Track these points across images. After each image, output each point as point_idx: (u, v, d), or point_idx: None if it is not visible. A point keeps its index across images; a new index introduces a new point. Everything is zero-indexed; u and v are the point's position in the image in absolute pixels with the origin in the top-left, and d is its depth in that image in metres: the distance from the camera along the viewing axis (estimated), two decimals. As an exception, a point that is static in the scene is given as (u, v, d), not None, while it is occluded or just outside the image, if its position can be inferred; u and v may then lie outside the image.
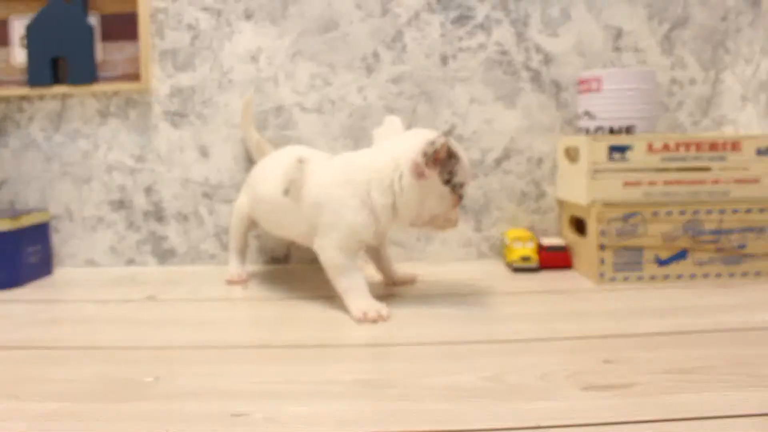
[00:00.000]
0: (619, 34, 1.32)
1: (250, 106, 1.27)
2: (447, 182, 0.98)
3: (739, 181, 1.18)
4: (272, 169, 1.11)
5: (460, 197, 1.01)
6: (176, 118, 1.31)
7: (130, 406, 0.68)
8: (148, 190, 1.33)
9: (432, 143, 0.95)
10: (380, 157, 1.00)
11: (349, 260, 1.00)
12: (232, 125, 1.31)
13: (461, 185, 1.00)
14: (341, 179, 0.99)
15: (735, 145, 1.18)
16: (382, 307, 0.97)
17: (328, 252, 1.00)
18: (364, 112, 1.31)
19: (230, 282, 1.20)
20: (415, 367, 0.78)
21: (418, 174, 0.96)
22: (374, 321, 0.96)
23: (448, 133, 1.04)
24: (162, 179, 1.32)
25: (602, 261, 1.15)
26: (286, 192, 1.04)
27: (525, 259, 1.23)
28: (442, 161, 0.96)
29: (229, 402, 0.69)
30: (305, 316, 1.00)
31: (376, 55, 1.31)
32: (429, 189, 0.98)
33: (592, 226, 1.17)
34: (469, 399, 0.69)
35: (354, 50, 1.30)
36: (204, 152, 1.32)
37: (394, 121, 1.07)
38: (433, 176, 0.97)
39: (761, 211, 1.17)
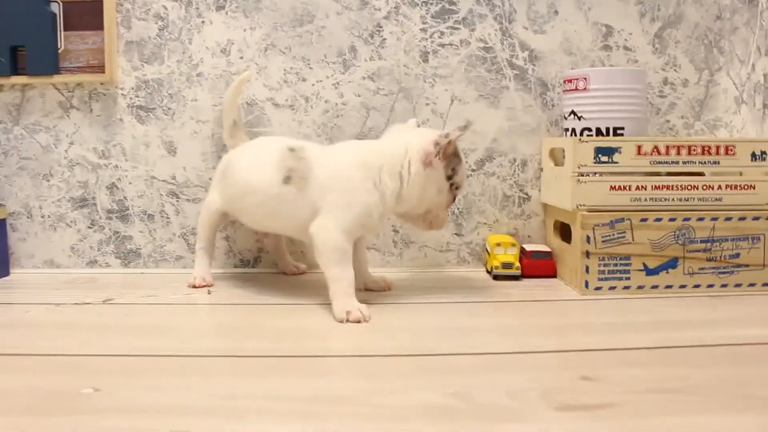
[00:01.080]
0: (608, 32, 1.26)
1: (245, 83, 1.19)
2: (449, 178, 1.02)
3: (732, 187, 1.12)
4: (258, 159, 1.07)
5: (454, 197, 1.05)
6: (142, 112, 1.25)
7: (58, 422, 0.61)
8: (112, 188, 1.26)
9: (446, 135, 0.99)
10: (393, 145, 1.03)
11: (348, 245, 0.99)
12: (200, 121, 1.25)
13: (458, 186, 1.04)
14: (355, 162, 1.01)
15: (729, 149, 1.12)
16: (363, 308, 0.96)
17: (331, 233, 0.98)
18: (339, 110, 1.25)
19: (193, 286, 1.12)
20: (375, 381, 0.71)
21: (427, 162, 1.00)
22: (357, 321, 0.94)
23: (464, 128, 1.00)
24: (126, 176, 1.26)
25: (587, 269, 1.09)
26: (287, 180, 1.01)
27: (506, 266, 1.16)
28: (449, 155, 1.00)
29: (168, 419, 0.62)
30: (269, 325, 0.93)
31: (353, 49, 1.24)
32: (433, 179, 1.01)
33: (576, 233, 1.10)
34: (426, 419, 0.62)
35: (330, 44, 1.24)
36: (170, 149, 1.25)
37: (410, 122, 1.10)
38: (440, 168, 1.00)
39: (755, 219, 1.10)
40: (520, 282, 1.17)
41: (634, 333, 0.88)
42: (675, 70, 1.27)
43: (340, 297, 0.97)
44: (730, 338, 0.85)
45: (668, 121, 1.28)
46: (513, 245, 1.18)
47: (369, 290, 1.12)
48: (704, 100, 1.28)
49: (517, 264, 1.17)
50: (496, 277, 1.17)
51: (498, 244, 1.18)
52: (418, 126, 1.10)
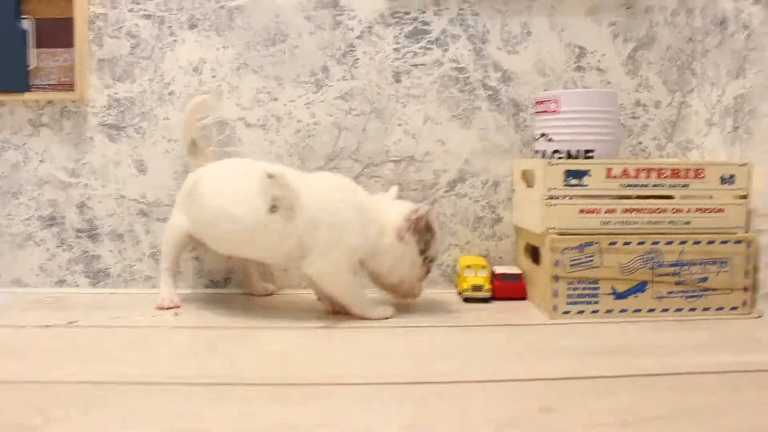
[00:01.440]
0: (582, 53, 1.26)
1: (200, 106, 1.18)
2: (421, 252, 1.06)
3: (701, 210, 1.12)
4: (233, 184, 1.04)
5: (428, 271, 1.09)
6: (113, 130, 1.24)
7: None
8: (81, 207, 1.25)
9: (415, 210, 1.04)
10: (380, 204, 1.08)
11: (350, 275, 1.04)
12: (172, 140, 1.24)
13: (431, 260, 1.08)
14: (346, 201, 1.03)
15: (698, 173, 1.12)
16: (388, 307, 1.08)
17: (331, 278, 1.04)
18: (311, 130, 1.24)
19: (161, 308, 1.11)
20: (328, 412, 0.71)
21: (400, 237, 1.04)
22: (392, 316, 1.06)
23: (431, 203, 1.08)
24: (96, 195, 1.25)
25: (555, 293, 1.08)
26: (273, 209, 1.00)
27: (476, 288, 1.16)
28: (421, 230, 1.05)
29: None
30: (232, 350, 0.92)
31: (325, 69, 1.24)
32: (405, 253, 1.05)
33: (545, 256, 1.10)
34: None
35: (302, 64, 1.24)
36: (141, 167, 1.24)
37: (392, 189, 1.14)
38: (412, 242, 1.05)
39: (723, 242, 1.10)
40: (490, 305, 1.16)
41: (598, 360, 0.88)
42: (648, 92, 1.27)
43: (368, 310, 1.06)
44: (696, 366, 0.85)
45: (641, 143, 1.28)
46: (483, 267, 1.17)
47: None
48: (676, 122, 1.28)
49: (488, 286, 1.16)
50: (466, 300, 1.17)
51: (468, 266, 1.17)
52: (399, 194, 1.14)
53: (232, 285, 1.26)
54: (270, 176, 1.02)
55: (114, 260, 1.26)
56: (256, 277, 1.23)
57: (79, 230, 1.25)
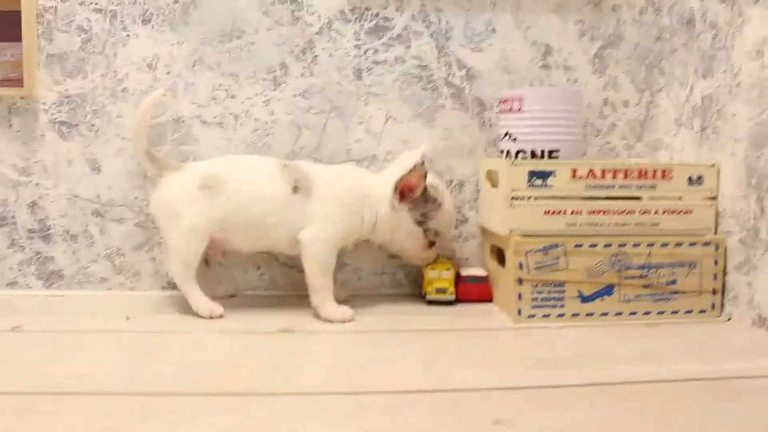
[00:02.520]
0: (548, 50, 1.23)
1: (152, 108, 1.12)
2: (419, 223, 1.06)
3: (669, 212, 1.09)
4: (254, 172, 1.07)
5: (432, 243, 1.09)
6: (64, 128, 1.19)
7: None
8: (33, 206, 1.20)
9: (400, 177, 1.04)
10: (381, 178, 1.09)
11: (333, 258, 1.06)
12: (125, 138, 1.19)
13: (436, 232, 1.08)
14: (350, 184, 1.07)
15: (666, 174, 1.09)
16: (347, 309, 1.05)
17: (321, 247, 1.04)
18: (269, 128, 1.21)
19: (213, 317, 1.05)
20: (271, 424, 0.67)
21: (390, 204, 1.05)
22: (352, 319, 1.04)
23: (420, 164, 1.03)
24: (48, 195, 1.20)
25: (519, 296, 1.06)
26: (295, 189, 1.05)
27: (440, 291, 1.13)
28: (414, 200, 1.05)
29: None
30: (176, 356, 0.89)
31: (284, 66, 1.20)
32: (399, 223, 1.07)
33: (509, 258, 1.07)
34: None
35: (260, 61, 1.20)
36: (94, 166, 1.20)
37: (422, 148, 1.13)
38: (404, 212, 1.05)
39: (692, 244, 1.08)
40: (453, 308, 1.13)
41: (561, 368, 0.85)
42: (615, 91, 1.25)
43: (326, 303, 1.04)
44: (661, 374, 0.82)
45: (609, 143, 1.26)
46: (448, 269, 1.14)
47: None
48: (645, 122, 1.26)
49: (452, 289, 1.13)
50: (430, 302, 1.13)
51: (432, 268, 1.14)
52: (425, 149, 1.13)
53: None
54: (284, 165, 1.07)
55: (68, 261, 1.21)
56: (217, 278, 1.19)
57: (30, 230, 1.21)
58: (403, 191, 1.05)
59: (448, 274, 1.14)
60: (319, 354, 0.90)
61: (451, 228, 1.14)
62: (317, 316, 1.05)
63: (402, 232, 1.08)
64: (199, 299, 1.05)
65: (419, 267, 1.18)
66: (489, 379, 0.81)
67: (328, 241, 1.05)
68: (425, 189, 1.06)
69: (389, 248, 1.12)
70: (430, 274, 1.14)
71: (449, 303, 1.13)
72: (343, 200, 1.06)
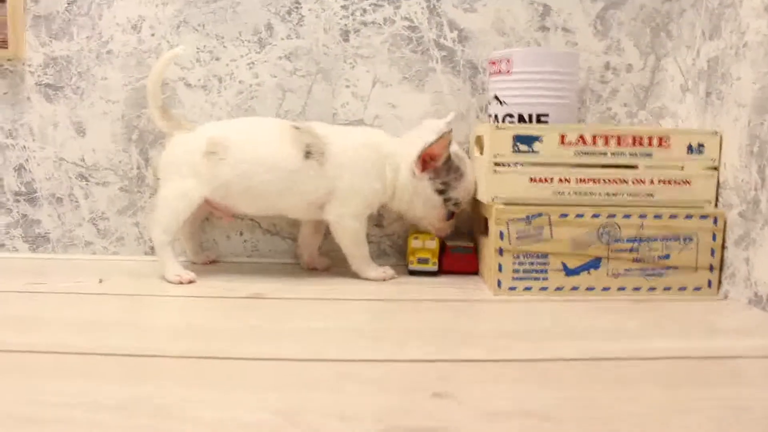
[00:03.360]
0: (546, 11, 1.17)
1: (171, 61, 1.10)
2: (440, 192, 1.04)
3: (665, 182, 1.03)
4: (263, 136, 1.03)
5: (451, 214, 1.07)
6: (50, 90, 1.19)
7: None
8: (20, 169, 1.20)
9: (423, 145, 1.01)
10: (403, 141, 1.06)
11: (363, 227, 1.05)
12: (111, 101, 1.18)
13: (456, 202, 1.06)
14: (368, 144, 1.04)
15: (662, 141, 1.03)
16: (388, 269, 1.07)
17: (349, 222, 1.04)
18: (254, 91, 1.17)
19: (181, 282, 1.03)
20: (207, 390, 0.64)
21: (412, 172, 1.03)
22: (392, 278, 1.07)
23: (447, 132, 1.00)
24: (34, 157, 1.20)
25: (500, 267, 1.01)
26: (308, 155, 1.01)
27: (422, 261, 1.09)
28: (437, 168, 1.02)
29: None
30: (141, 320, 0.87)
31: (269, 27, 1.17)
32: (418, 191, 1.04)
33: (491, 228, 1.02)
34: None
35: (245, 22, 1.17)
36: (80, 129, 1.19)
37: (449, 116, 1.12)
38: (424, 179, 1.03)
39: (688, 217, 1.01)
40: (436, 279, 1.09)
41: (526, 342, 0.80)
42: (618, 55, 1.18)
43: (366, 268, 1.07)
44: (630, 351, 0.77)
45: (610, 109, 1.19)
46: (432, 239, 1.09)
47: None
48: (649, 87, 1.19)
49: (434, 259, 1.09)
50: (411, 272, 1.09)
51: (416, 237, 1.10)
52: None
53: (175, 252, 1.20)
54: (296, 127, 1.03)
55: (53, 225, 1.21)
56: (198, 244, 1.17)
57: (17, 193, 1.21)
58: (425, 160, 1.02)
59: (432, 244, 1.09)
60: (276, 321, 0.87)
61: (470, 197, 1.09)
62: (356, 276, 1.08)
63: (421, 201, 1.05)
64: (170, 265, 1.03)
65: (405, 237, 1.14)
66: (444, 351, 0.77)
67: (356, 213, 1.04)
68: (448, 157, 1.03)
69: (406, 216, 1.09)
70: (414, 243, 1.09)
71: (432, 273, 1.09)
72: (362, 169, 1.03)
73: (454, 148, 1.05)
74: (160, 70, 1.06)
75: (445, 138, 1.01)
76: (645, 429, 0.58)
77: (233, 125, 1.07)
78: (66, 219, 1.21)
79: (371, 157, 1.03)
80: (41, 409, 0.59)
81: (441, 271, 1.11)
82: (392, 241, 1.20)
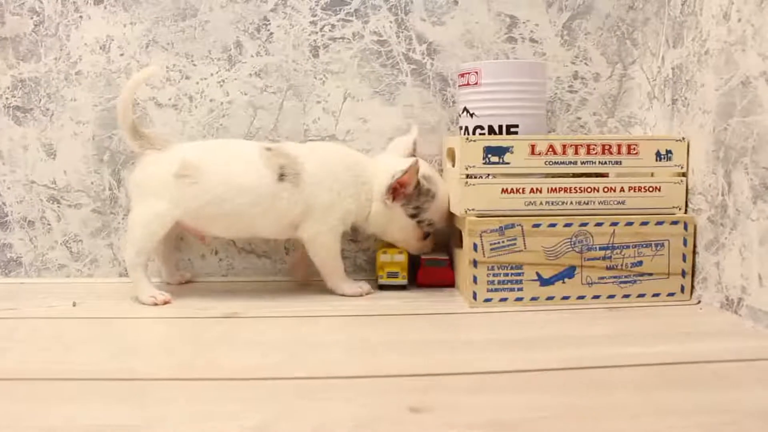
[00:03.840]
0: (513, 23, 1.18)
1: (143, 81, 1.10)
2: (413, 216, 1.05)
3: (636, 189, 1.04)
4: (236, 158, 1.03)
5: (426, 234, 1.08)
6: (19, 113, 1.18)
7: None
8: (-11, 193, 1.19)
9: (392, 176, 1.02)
10: (376, 167, 1.07)
11: (338, 244, 1.05)
12: (81, 122, 1.17)
13: (430, 223, 1.07)
14: (345, 163, 1.05)
15: (631, 148, 1.04)
16: (363, 284, 1.07)
17: (324, 237, 1.04)
18: (225, 109, 1.17)
19: (156, 304, 1.02)
20: (174, 410, 0.64)
21: (382, 202, 1.04)
22: (368, 293, 1.06)
23: (414, 163, 1.01)
24: (4, 181, 1.19)
25: (474, 279, 1.01)
26: (282, 177, 1.01)
27: (391, 275, 1.09)
28: (408, 195, 1.04)
29: None
30: (110, 340, 0.87)
31: (238, 45, 1.17)
32: (393, 219, 1.06)
33: (465, 240, 1.03)
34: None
35: (213, 40, 1.17)
36: (50, 152, 1.18)
37: (412, 131, 1.13)
38: (396, 208, 1.04)
39: (659, 223, 1.02)
40: (410, 293, 1.09)
41: (502, 353, 0.81)
42: (585, 64, 1.19)
43: (343, 284, 1.06)
44: (604, 359, 0.78)
45: (579, 118, 1.20)
46: (401, 253, 1.10)
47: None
48: (618, 96, 1.20)
49: (404, 273, 1.09)
50: (381, 287, 1.09)
51: (384, 252, 1.10)
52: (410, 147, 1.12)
53: (148, 274, 1.19)
54: (268, 149, 1.03)
55: (25, 249, 1.20)
56: (173, 265, 1.16)
57: (-13, 218, 1.19)
58: (396, 188, 1.03)
59: (401, 258, 1.09)
60: (244, 338, 0.87)
61: (445, 216, 1.09)
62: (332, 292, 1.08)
63: (396, 227, 1.07)
64: (143, 287, 1.02)
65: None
66: (418, 365, 0.77)
67: (330, 231, 1.04)
68: (418, 182, 1.04)
69: (383, 238, 1.10)
70: (382, 257, 1.10)
71: (402, 287, 1.09)
72: (337, 186, 1.03)
73: (423, 170, 1.06)
74: (132, 89, 1.06)
75: (412, 168, 1.02)
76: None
77: (205, 147, 1.06)
78: (38, 242, 1.19)
79: (349, 180, 1.04)
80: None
81: (417, 285, 1.11)
82: (368, 256, 1.20)
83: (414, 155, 1.09)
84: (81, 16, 1.16)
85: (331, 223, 1.04)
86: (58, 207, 1.19)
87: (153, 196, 1.01)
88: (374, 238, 1.19)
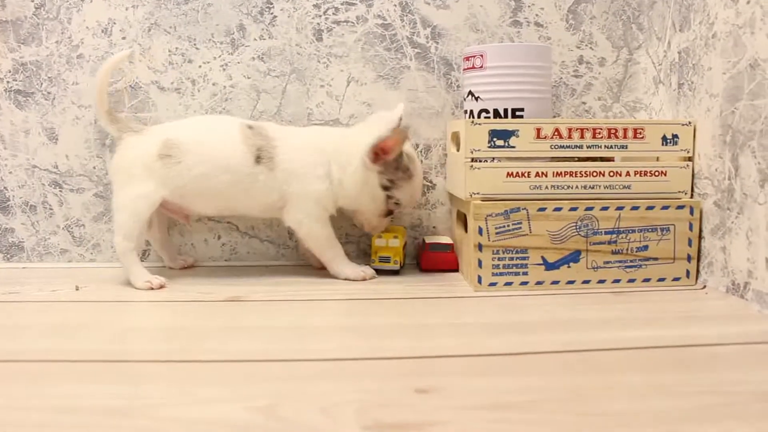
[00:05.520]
0: (518, 6, 1.17)
1: (113, 68, 1.09)
2: (385, 188, 1.02)
3: (642, 174, 1.03)
4: (217, 135, 1.02)
5: (390, 212, 1.06)
6: (20, 97, 1.17)
7: None
8: (-9, 178, 1.18)
9: (378, 137, 0.98)
10: (353, 134, 1.04)
11: (327, 229, 1.04)
12: (82, 106, 1.17)
13: (397, 202, 1.04)
14: (310, 146, 1.03)
15: (637, 133, 1.03)
16: (366, 268, 1.06)
17: (307, 226, 1.04)
18: (228, 93, 1.17)
19: (152, 288, 1.01)
20: (178, 392, 0.63)
21: (363, 162, 1.00)
22: (371, 278, 1.05)
23: (403, 129, 1.01)
24: (6, 165, 1.18)
25: (480, 263, 1.01)
26: (258, 160, 1.00)
27: (383, 259, 1.08)
28: (387, 163, 1.00)
29: None
30: (111, 325, 0.86)
31: (241, 28, 1.16)
32: (366, 182, 1.02)
33: (470, 224, 1.02)
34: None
35: (217, 23, 1.16)
36: (52, 136, 1.17)
37: (398, 108, 1.08)
38: (373, 171, 1.01)
39: (665, 208, 1.02)
40: (414, 277, 1.09)
41: (506, 335, 0.80)
42: (591, 48, 1.18)
43: (343, 268, 1.05)
44: (609, 342, 0.77)
45: (584, 103, 1.19)
46: (395, 237, 1.09)
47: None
48: (623, 81, 1.19)
49: (397, 258, 1.08)
50: (375, 271, 1.08)
51: (380, 236, 1.09)
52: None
53: (151, 258, 1.19)
54: (249, 127, 1.02)
55: (27, 233, 1.19)
56: (173, 250, 1.16)
57: (-11, 203, 1.19)
58: (378, 152, 1.00)
59: (396, 243, 1.09)
60: (248, 322, 0.86)
61: (413, 203, 1.09)
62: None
63: (365, 193, 1.03)
64: (136, 272, 1.02)
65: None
66: (423, 347, 0.76)
67: (312, 217, 1.03)
68: (400, 155, 1.02)
69: (347, 208, 1.07)
70: (377, 242, 1.09)
71: (394, 272, 1.08)
72: (304, 171, 1.02)
73: (408, 148, 1.04)
74: (107, 72, 1.06)
75: (400, 133, 0.99)
76: (629, 417, 0.58)
77: (186, 126, 1.05)
78: (40, 227, 1.19)
79: (316, 160, 1.02)
80: (25, 414, 0.58)
81: (420, 270, 1.11)
82: (371, 241, 1.19)
83: None
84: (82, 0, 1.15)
85: (310, 210, 1.03)
86: (60, 191, 1.18)
87: (137, 179, 1.01)
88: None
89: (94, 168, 1.18)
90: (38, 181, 1.18)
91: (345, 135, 1.06)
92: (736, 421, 0.57)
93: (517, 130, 1.01)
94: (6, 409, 0.60)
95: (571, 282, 1.02)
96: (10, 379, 0.67)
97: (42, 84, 1.17)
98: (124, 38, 1.16)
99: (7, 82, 1.17)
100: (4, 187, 1.18)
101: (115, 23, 1.16)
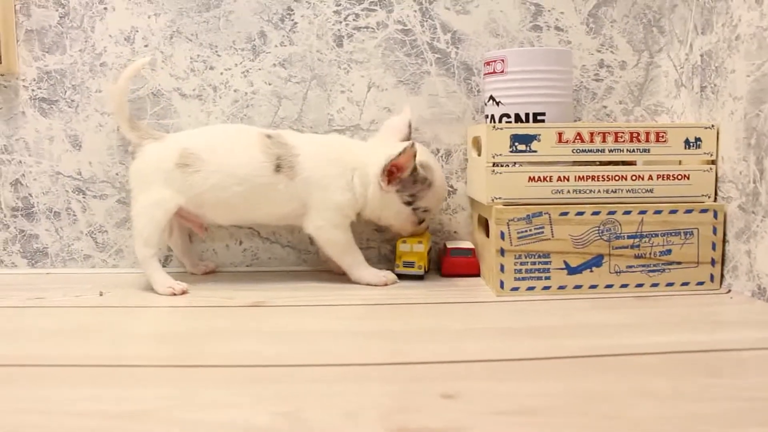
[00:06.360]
0: (538, 11, 1.17)
1: (137, 71, 1.10)
2: (408, 204, 1.03)
3: (664, 177, 1.03)
4: (235, 145, 1.02)
5: (421, 221, 1.07)
6: (45, 105, 1.18)
7: None
8: (16, 184, 1.20)
9: (388, 157, 0.99)
10: (371, 150, 1.04)
11: (347, 235, 1.04)
12: (105, 113, 1.18)
13: (425, 210, 1.05)
14: (332, 157, 1.03)
15: (660, 136, 1.02)
16: (388, 273, 1.05)
17: (328, 233, 1.04)
18: (249, 99, 1.17)
19: (174, 294, 1.01)
20: (202, 396, 0.64)
21: (377, 185, 1.01)
22: (393, 282, 1.05)
23: (410, 146, 0.99)
24: (30, 172, 1.19)
25: (502, 268, 1.00)
26: (278, 169, 1.00)
27: (408, 264, 1.08)
28: (403, 180, 1.01)
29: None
30: (131, 329, 0.87)
31: (262, 35, 1.17)
32: (389, 203, 1.03)
33: (491, 228, 1.02)
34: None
35: (238, 30, 1.17)
36: (75, 143, 1.19)
37: (405, 111, 1.09)
38: (392, 192, 1.02)
39: (688, 211, 1.01)
40: (435, 282, 1.08)
41: (529, 340, 0.80)
42: (611, 52, 1.18)
43: (364, 273, 1.05)
44: (635, 347, 0.77)
45: (605, 107, 1.19)
46: (420, 242, 1.09)
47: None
48: (644, 84, 1.19)
49: (421, 263, 1.08)
50: (400, 276, 1.08)
51: (404, 241, 1.09)
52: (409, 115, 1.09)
53: (173, 264, 1.20)
54: (268, 136, 1.02)
55: (51, 239, 1.20)
56: (194, 256, 1.16)
57: (14, 209, 1.20)
58: (391, 172, 1.01)
59: (420, 248, 1.08)
60: (268, 327, 0.87)
61: (440, 204, 1.11)
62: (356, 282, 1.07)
63: (391, 212, 1.05)
64: (158, 278, 1.02)
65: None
66: (447, 352, 0.76)
67: (333, 224, 1.04)
68: (414, 169, 1.02)
69: (378, 223, 1.09)
70: (402, 247, 1.09)
71: (419, 278, 1.08)
72: (326, 182, 1.02)
73: (420, 157, 1.03)
74: (127, 80, 1.07)
75: (409, 151, 0.99)
76: (653, 423, 0.57)
77: (205, 135, 1.06)
78: (64, 233, 1.20)
79: (337, 171, 1.03)
80: (52, 418, 0.59)
81: (441, 275, 1.11)
82: (392, 246, 1.19)
83: (409, 138, 1.06)
84: (105, 8, 1.17)
85: (331, 218, 1.03)
86: (84, 198, 1.19)
87: (155, 186, 1.02)
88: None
89: (117, 174, 1.18)
90: (62, 187, 1.19)
91: (362, 148, 1.07)
92: (762, 428, 0.56)
93: (539, 135, 1.01)
94: (33, 413, 0.60)
95: (593, 286, 1.01)
96: (37, 384, 0.67)
97: (66, 92, 1.18)
98: (146, 46, 1.17)
99: (32, 90, 1.18)
100: (29, 194, 1.20)
101: (137, 31, 1.17)
